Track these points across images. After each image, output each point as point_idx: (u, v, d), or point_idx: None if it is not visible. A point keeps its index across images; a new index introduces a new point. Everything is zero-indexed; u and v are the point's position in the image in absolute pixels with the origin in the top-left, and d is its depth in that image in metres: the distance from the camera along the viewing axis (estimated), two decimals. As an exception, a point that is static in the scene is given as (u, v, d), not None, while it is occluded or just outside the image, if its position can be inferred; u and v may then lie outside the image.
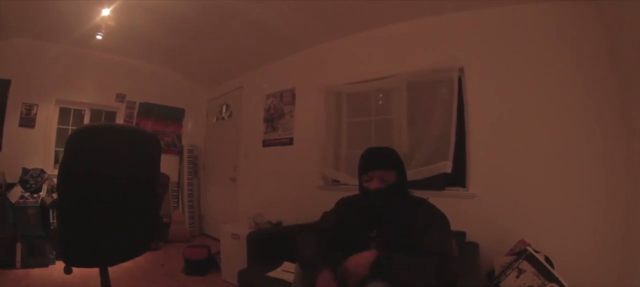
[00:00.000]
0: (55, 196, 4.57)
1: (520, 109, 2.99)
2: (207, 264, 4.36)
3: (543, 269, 2.24)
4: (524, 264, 2.29)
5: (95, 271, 2.30)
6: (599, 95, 2.65)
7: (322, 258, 1.91)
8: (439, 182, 3.24)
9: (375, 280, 1.66)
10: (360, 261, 1.73)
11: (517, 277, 2.29)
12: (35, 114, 5.24)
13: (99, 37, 4.74)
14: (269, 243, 3.25)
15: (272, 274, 2.73)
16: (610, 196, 2.55)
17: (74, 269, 2.07)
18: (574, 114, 2.74)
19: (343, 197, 2.35)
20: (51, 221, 4.32)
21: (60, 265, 4.06)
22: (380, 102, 3.98)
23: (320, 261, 1.89)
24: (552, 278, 2.20)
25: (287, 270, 2.73)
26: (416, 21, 3.63)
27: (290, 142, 4.77)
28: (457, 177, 3.27)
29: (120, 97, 6.13)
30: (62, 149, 1.93)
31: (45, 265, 4.21)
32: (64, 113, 5.67)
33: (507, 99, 3.05)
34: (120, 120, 6.11)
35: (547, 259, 2.31)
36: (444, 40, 3.44)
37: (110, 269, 2.58)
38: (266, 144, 5.16)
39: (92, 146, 2.03)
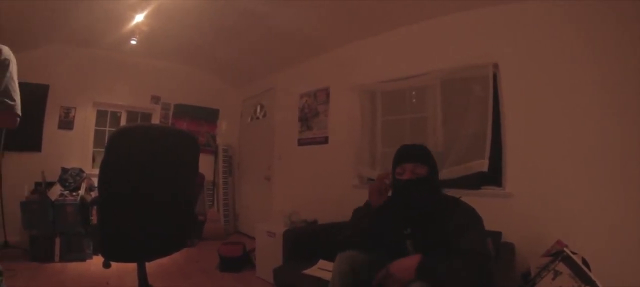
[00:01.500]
0: (93, 194, 4.83)
1: (557, 106, 2.92)
2: (241, 261, 4.46)
3: (580, 272, 2.20)
4: (561, 266, 2.26)
5: (131, 267, 2.41)
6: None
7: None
8: (475, 181, 3.23)
9: (420, 283, 1.71)
10: (405, 265, 1.80)
11: (553, 279, 2.25)
12: (74, 116, 5.55)
13: (133, 42, 4.95)
14: (305, 241, 3.29)
15: (307, 271, 2.76)
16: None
17: (112, 263, 2.19)
18: (614, 111, 2.67)
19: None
20: (90, 218, 4.53)
21: (97, 260, 4.31)
22: (414, 101, 3.99)
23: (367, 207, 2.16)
24: (589, 281, 2.16)
25: (322, 268, 2.76)
26: (448, 17, 3.61)
27: (325, 141, 4.83)
28: (494, 176, 3.23)
29: (155, 99, 6.40)
30: (100, 150, 2.04)
31: (83, 259, 4.48)
32: (101, 115, 5.98)
33: (544, 96, 3.00)
34: (155, 121, 6.37)
35: (584, 261, 2.27)
36: (477, 36, 3.41)
37: (147, 264, 2.70)
38: (301, 143, 5.24)
39: (132, 145, 2.11)
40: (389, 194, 2.15)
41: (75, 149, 5.51)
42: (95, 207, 2.73)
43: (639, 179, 2.55)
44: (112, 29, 4.73)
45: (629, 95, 2.63)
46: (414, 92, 3.98)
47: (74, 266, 4.22)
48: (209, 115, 6.98)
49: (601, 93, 2.74)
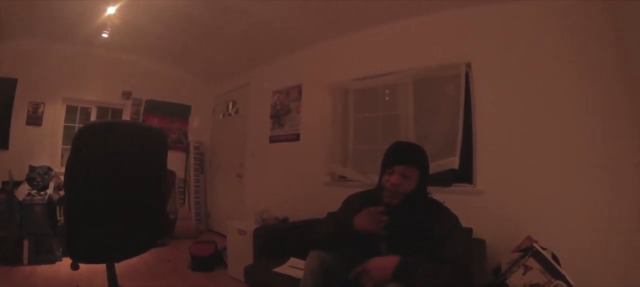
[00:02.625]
0: (62, 193, 4.61)
1: (528, 106, 2.96)
2: (213, 260, 4.38)
3: (550, 267, 2.22)
4: (531, 261, 2.27)
5: (101, 268, 2.32)
6: (608, 93, 2.62)
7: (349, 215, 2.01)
8: (446, 178, 3.23)
9: (395, 284, 1.68)
10: (383, 264, 1.75)
11: (524, 274, 2.27)
12: (42, 112, 5.32)
13: (104, 35, 4.80)
14: (276, 239, 3.24)
15: (278, 269, 2.72)
16: (618, 195, 2.52)
17: (81, 265, 2.09)
18: (583, 111, 2.72)
19: (351, 195, 2.36)
20: (58, 218, 4.36)
21: (67, 262, 4.07)
22: (387, 99, 3.96)
23: (347, 218, 2.01)
24: (558, 275, 2.18)
25: (294, 266, 2.72)
26: (423, 17, 3.61)
27: (296, 138, 4.78)
28: (464, 174, 3.25)
29: (126, 95, 6.19)
30: (69, 147, 1.95)
31: (52, 262, 4.25)
32: (70, 111, 5.74)
33: (515, 95, 3.04)
34: (126, 117, 6.17)
35: (554, 256, 2.29)
36: (451, 36, 3.43)
37: (116, 265, 2.61)
38: (273, 140, 5.18)
39: (99, 142, 2.03)
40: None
41: (44, 146, 5.29)
42: (62, 206, 2.61)
43: (606, 177, 2.60)
44: (83, 22, 4.54)
45: (596, 96, 2.68)
46: (387, 91, 3.95)
47: (44, 269, 4.02)
48: (181, 112, 6.81)
49: (570, 94, 2.79)
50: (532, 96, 2.95)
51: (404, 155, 2.07)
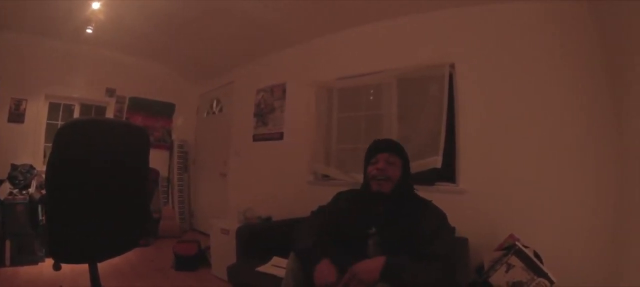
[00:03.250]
0: (44, 192, 4.50)
1: (511, 106, 2.97)
2: (197, 260, 4.32)
3: (532, 264, 2.21)
4: (513, 259, 2.26)
5: (85, 268, 2.26)
6: (590, 93, 2.63)
7: (320, 248, 1.91)
8: (429, 177, 3.22)
9: (383, 284, 1.67)
10: (370, 266, 1.73)
11: (506, 272, 2.26)
12: (25, 109, 5.16)
13: (89, 31, 4.67)
14: (259, 238, 3.19)
15: (261, 268, 2.67)
16: (600, 193, 2.53)
17: (63, 265, 2.04)
18: (565, 111, 2.74)
19: (342, 191, 2.38)
20: (40, 218, 4.24)
21: (50, 262, 3.97)
22: (371, 98, 3.94)
23: (318, 251, 1.89)
24: (541, 273, 2.18)
25: (277, 265, 2.67)
26: (408, 18, 3.61)
27: (280, 137, 4.73)
28: (447, 173, 3.25)
29: (110, 92, 6.06)
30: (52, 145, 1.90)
31: (35, 262, 4.09)
32: (53, 108, 5.58)
33: (498, 96, 3.05)
34: (110, 115, 6.04)
35: (536, 254, 2.29)
36: (435, 36, 3.43)
37: (99, 265, 2.54)
38: (256, 138, 5.13)
39: (81, 140, 1.98)
40: None
41: (26, 144, 5.12)
42: (43, 205, 2.53)
43: (588, 175, 2.61)
44: (67, 17, 4.43)
45: (579, 95, 2.69)
46: (371, 91, 3.93)
47: (26, 270, 3.87)
48: (165, 110, 6.71)
49: (552, 94, 2.80)
50: (515, 97, 2.96)
51: (385, 144, 2.18)
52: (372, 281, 1.69)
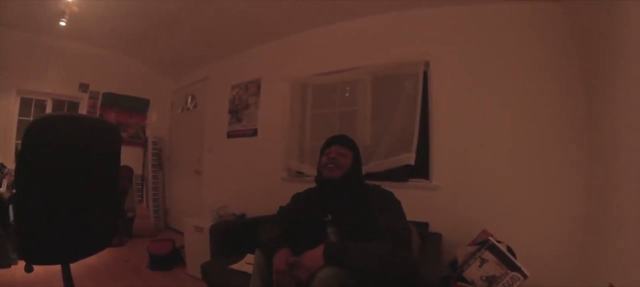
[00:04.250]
0: (15, 191, 4.30)
1: (484, 104, 2.99)
2: (172, 259, 4.19)
3: (505, 259, 2.20)
4: (487, 254, 2.25)
5: (58, 270, 2.17)
6: (563, 92, 2.66)
7: (279, 240, 1.95)
8: (403, 174, 3.21)
9: (328, 267, 1.68)
10: (314, 253, 1.76)
11: (480, 266, 2.24)
12: None
13: (62, 23, 4.44)
14: (233, 235, 3.12)
15: (235, 266, 2.62)
16: (572, 189, 2.56)
17: (36, 267, 1.94)
18: (538, 109, 2.76)
19: (299, 192, 2.47)
20: (11, 218, 4.05)
21: (23, 265, 3.79)
22: (347, 95, 3.90)
23: (278, 242, 1.92)
24: (514, 267, 2.16)
25: (250, 262, 2.56)
26: (384, 16, 3.60)
27: (254, 133, 4.65)
28: (421, 169, 3.23)
29: (84, 87, 5.82)
30: (22, 142, 1.82)
31: (7, 265, 3.83)
32: (25, 104, 5.31)
33: (472, 94, 3.05)
34: (83, 110, 5.81)
35: (509, 249, 2.28)
36: (411, 35, 3.42)
37: (73, 266, 2.43)
38: (230, 135, 5.03)
39: (51, 136, 1.90)
40: None
41: None
42: (13, 205, 2.42)
43: (560, 172, 2.65)
44: (40, 9, 4.25)
45: (552, 94, 2.73)
46: (348, 88, 3.88)
47: None
48: (139, 106, 6.49)
49: (526, 92, 2.83)
50: (489, 95, 2.98)
51: (338, 138, 2.34)
52: (316, 266, 1.70)
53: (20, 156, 1.84)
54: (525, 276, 2.15)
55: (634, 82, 1.80)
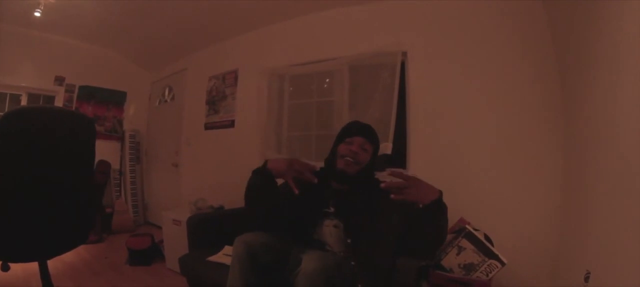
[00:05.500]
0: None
1: (462, 94, 2.95)
2: (151, 253, 4.11)
3: (482, 247, 2.17)
4: (464, 242, 2.22)
5: (36, 269, 2.09)
6: (540, 83, 2.62)
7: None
8: (380, 163, 3.16)
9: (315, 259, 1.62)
10: (426, 188, 1.84)
11: (458, 254, 2.21)
12: None
13: (37, 14, 4.31)
14: (210, 227, 3.07)
15: (212, 258, 2.57)
16: (550, 178, 2.54)
17: (14, 267, 1.88)
18: (515, 100, 2.73)
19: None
20: None
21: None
22: (325, 86, 3.85)
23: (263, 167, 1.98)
24: (491, 255, 2.14)
25: (228, 254, 2.52)
26: (362, 6, 3.53)
27: (231, 124, 4.57)
28: (398, 159, 3.20)
29: (59, 80, 5.63)
30: (-4, 138, 1.74)
31: None
32: None
33: (450, 84, 3.01)
34: (59, 104, 5.62)
35: (486, 237, 2.26)
36: (388, 24, 3.36)
37: (51, 265, 2.35)
38: (208, 127, 4.94)
39: (23, 129, 1.84)
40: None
41: None
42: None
43: (536, 162, 2.62)
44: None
45: (529, 85, 2.69)
46: (327, 80, 3.83)
47: None
48: (116, 99, 6.31)
49: (503, 83, 2.79)
50: (467, 85, 2.94)
51: (365, 130, 2.18)
52: (426, 200, 1.73)
53: (-9, 150, 1.76)
54: (503, 264, 2.13)
55: (609, 76, 1.79)
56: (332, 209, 1.98)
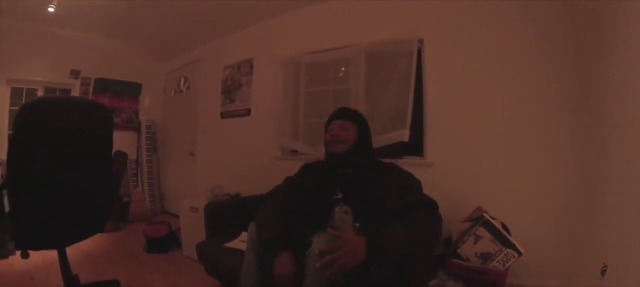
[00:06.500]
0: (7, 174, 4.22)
1: (479, 81, 2.92)
2: (167, 241, 4.18)
3: (499, 235, 2.18)
4: (481, 230, 2.23)
5: (55, 258, 2.15)
6: (559, 71, 2.60)
7: (281, 241, 1.85)
8: (397, 151, 3.18)
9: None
10: (353, 246, 1.61)
11: (475, 243, 2.23)
12: None
13: (51, 9, 4.37)
14: (227, 214, 3.14)
15: (229, 244, 2.63)
16: (566, 168, 2.53)
17: (34, 256, 1.93)
18: (534, 87, 2.70)
19: (308, 162, 2.46)
20: (6, 209, 3.99)
21: (20, 254, 3.76)
22: (341, 74, 3.84)
23: (279, 243, 1.84)
24: (509, 244, 2.15)
25: (245, 240, 2.59)
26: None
27: (247, 113, 4.61)
28: (415, 146, 3.20)
29: (75, 74, 5.74)
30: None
31: (5, 256, 3.75)
32: (16, 93, 5.21)
33: (467, 71, 2.99)
34: (75, 97, 5.72)
35: (504, 226, 2.26)
36: (405, 11, 3.33)
37: (70, 253, 2.41)
38: (224, 116, 4.99)
39: (42, 119, 1.90)
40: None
41: None
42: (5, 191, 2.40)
43: (554, 150, 2.61)
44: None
45: (547, 73, 2.66)
46: (343, 69, 3.82)
47: None
48: (132, 90, 6.43)
49: (520, 71, 2.77)
50: (484, 72, 2.91)
51: (340, 112, 2.28)
52: (359, 258, 1.58)
53: (11, 140, 1.81)
54: (519, 254, 2.14)
55: (627, 62, 1.77)
56: (340, 195, 2.01)
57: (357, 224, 1.94)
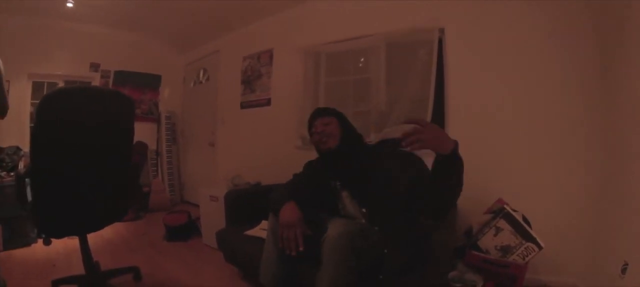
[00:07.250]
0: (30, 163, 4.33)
1: (501, 72, 2.90)
2: (187, 229, 4.27)
3: (520, 228, 2.18)
4: (502, 223, 2.23)
5: (77, 246, 2.20)
6: (582, 63, 2.56)
7: (288, 195, 2.03)
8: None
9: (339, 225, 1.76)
10: (443, 134, 1.74)
11: (495, 235, 2.23)
12: (8, 90, 4.85)
13: (69, 5, 4.49)
14: (247, 203, 3.19)
15: (250, 232, 2.69)
16: (588, 163, 2.51)
17: (56, 243, 2.00)
18: (556, 79, 2.67)
19: (311, 160, 2.55)
20: (27, 196, 4.09)
21: (42, 242, 3.90)
22: (361, 65, 3.84)
23: (286, 198, 2.01)
24: (529, 238, 2.14)
25: (265, 228, 2.64)
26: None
27: (268, 103, 4.66)
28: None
29: (95, 67, 5.85)
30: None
31: (28, 244, 3.91)
32: (37, 87, 5.33)
33: (488, 62, 2.96)
34: (95, 90, 5.83)
35: (524, 218, 2.25)
36: (426, 0, 3.30)
37: (91, 241, 2.47)
38: (244, 106, 5.04)
39: (63, 109, 1.95)
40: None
41: (11, 125, 4.75)
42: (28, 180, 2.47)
43: (576, 144, 2.58)
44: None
45: (570, 66, 2.62)
46: (362, 59, 3.83)
47: (20, 253, 3.69)
48: (151, 82, 6.53)
49: (543, 63, 2.73)
50: (506, 63, 2.88)
51: (317, 112, 2.39)
52: (445, 146, 1.69)
53: (33, 130, 1.88)
54: (540, 248, 2.13)
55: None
56: (338, 184, 2.15)
57: (364, 210, 2.03)
